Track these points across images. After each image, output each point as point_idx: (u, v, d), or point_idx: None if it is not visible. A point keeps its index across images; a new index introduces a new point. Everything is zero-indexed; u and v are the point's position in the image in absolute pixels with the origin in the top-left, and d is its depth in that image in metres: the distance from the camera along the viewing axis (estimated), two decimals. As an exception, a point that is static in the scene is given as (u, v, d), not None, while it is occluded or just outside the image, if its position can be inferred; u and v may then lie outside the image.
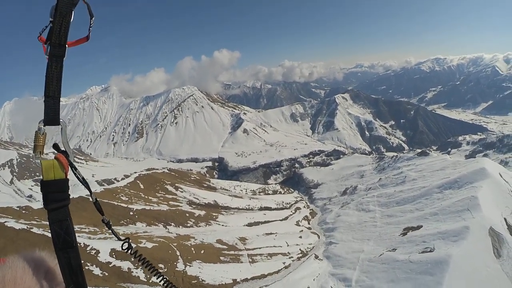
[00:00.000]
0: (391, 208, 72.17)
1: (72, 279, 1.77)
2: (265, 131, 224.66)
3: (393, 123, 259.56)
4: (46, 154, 1.86)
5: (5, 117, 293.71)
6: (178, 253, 51.22)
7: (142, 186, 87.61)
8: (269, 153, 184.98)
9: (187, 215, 75.07)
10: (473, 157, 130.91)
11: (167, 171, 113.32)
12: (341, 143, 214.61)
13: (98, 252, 44.65)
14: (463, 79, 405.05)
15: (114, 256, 44.55)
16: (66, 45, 1.89)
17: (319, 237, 70.53)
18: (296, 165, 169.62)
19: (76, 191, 55.54)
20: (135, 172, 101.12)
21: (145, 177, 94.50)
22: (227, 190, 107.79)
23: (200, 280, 46.05)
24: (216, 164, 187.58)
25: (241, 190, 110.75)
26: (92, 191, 2.06)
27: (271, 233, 68.97)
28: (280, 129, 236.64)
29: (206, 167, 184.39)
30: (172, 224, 68.99)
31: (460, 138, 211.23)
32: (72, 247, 1.79)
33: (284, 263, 56.43)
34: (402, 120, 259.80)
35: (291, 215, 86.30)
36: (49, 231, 1.78)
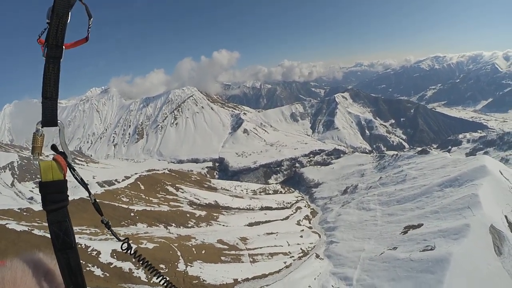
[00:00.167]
0: (391, 206, 72.12)
1: (71, 280, 1.76)
2: (265, 131, 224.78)
3: (393, 121, 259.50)
4: (47, 156, 1.85)
5: (5, 120, 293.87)
6: (179, 253, 51.25)
7: (142, 187, 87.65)
8: (269, 153, 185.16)
9: (188, 215, 75.09)
10: (474, 155, 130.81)
11: (168, 172, 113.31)
12: (342, 142, 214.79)
13: (99, 253, 44.73)
14: (462, 77, 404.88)
15: (115, 257, 44.61)
16: (63, 47, 1.89)
17: (320, 236, 70.51)
18: (297, 164, 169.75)
19: (77, 192, 55.73)
20: (136, 173, 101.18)
21: (146, 178, 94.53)
22: (227, 190, 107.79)
23: (201, 280, 46.08)
24: (217, 164, 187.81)
25: (242, 190, 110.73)
26: (93, 192, 2.09)
27: (272, 233, 68.97)
28: (280, 128, 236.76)
29: (207, 167, 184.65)
30: (173, 224, 69.02)
31: (461, 136, 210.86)
32: (71, 247, 1.78)
33: (285, 262, 56.43)
34: (402, 119, 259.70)
35: (292, 214, 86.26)
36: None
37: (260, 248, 60.47)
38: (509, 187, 62.50)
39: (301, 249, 62.58)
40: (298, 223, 79.71)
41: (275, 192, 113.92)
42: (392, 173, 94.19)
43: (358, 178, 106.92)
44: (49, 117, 1.87)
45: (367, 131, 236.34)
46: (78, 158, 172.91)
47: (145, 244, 50.73)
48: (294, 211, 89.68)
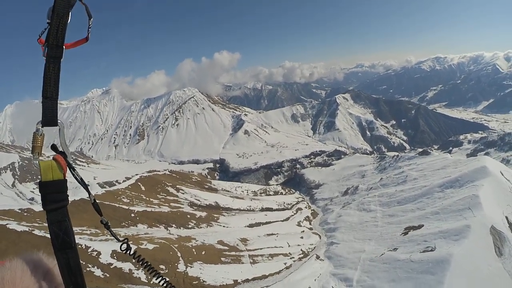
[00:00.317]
0: (392, 207, 72.07)
1: (71, 280, 1.76)
2: (266, 132, 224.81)
3: (394, 122, 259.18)
4: (48, 157, 1.85)
5: (7, 121, 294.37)
6: (179, 254, 51.28)
7: (143, 188, 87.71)
8: (270, 154, 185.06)
9: (188, 216, 75.12)
10: (475, 156, 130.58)
11: (168, 173, 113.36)
12: (342, 143, 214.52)
13: (99, 253, 44.80)
14: (463, 77, 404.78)
15: (115, 257, 44.67)
16: (64, 47, 1.89)
17: (320, 238, 70.49)
18: (297, 165, 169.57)
19: (77, 193, 55.81)
20: (136, 174, 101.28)
21: (146, 179, 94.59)
22: (228, 191, 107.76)
23: (201, 281, 46.10)
24: (217, 165, 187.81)
25: (242, 191, 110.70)
26: (93, 193, 2.09)
27: (272, 234, 69.00)
28: (281, 130, 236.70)
29: (208, 168, 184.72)
30: (173, 225, 69.07)
31: (462, 137, 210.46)
32: (71, 247, 1.77)
33: (285, 263, 56.43)
34: (403, 120, 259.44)
35: (292, 215, 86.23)
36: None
37: (261, 249, 60.46)
38: (510, 188, 62.41)
39: (301, 250, 62.56)
40: (299, 224, 79.67)
41: (276, 193, 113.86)
42: (393, 174, 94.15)
43: (359, 179, 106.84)
44: (49, 117, 1.87)
45: (368, 132, 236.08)
46: (79, 159, 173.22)
47: (145, 245, 50.77)
48: (295, 212, 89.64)
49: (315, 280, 51.29)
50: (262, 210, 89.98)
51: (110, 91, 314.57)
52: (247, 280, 49.28)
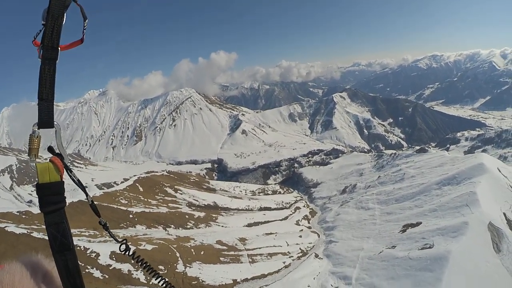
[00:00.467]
0: (390, 205, 72.29)
1: (70, 282, 1.76)
2: (264, 131, 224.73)
3: (391, 120, 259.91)
4: (46, 159, 1.86)
5: (4, 123, 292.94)
6: (178, 254, 51.27)
7: (141, 189, 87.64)
8: (268, 154, 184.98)
9: (187, 217, 75.10)
10: (472, 153, 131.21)
11: (166, 174, 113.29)
12: (340, 142, 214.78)
13: (98, 255, 44.76)
14: (460, 75, 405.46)
15: (114, 258, 44.64)
16: (59, 48, 1.89)
17: (319, 236, 70.60)
18: (295, 164, 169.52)
19: (75, 195, 55.71)
20: (134, 175, 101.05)
21: (144, 180, 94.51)
22: (226, 191, 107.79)
23: (200, 281, 46.12)
24: (216, 165, 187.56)
25: (241, 191, 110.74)
26: (91, 195, 2.11)
27: (271, 233, 69.05)
28: (278, 129, 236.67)
29: (206, 168, 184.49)
30: (172, 226, 69.04)
31: (459, 134, 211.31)
32: (69, 249, 1.78)
33: (284, 262, 56.49)
34: (400, 118, 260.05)
35: (291, 214, 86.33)
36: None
37: (259, 248, 60.50)
38: (507, 185, 62.73)
39: (300, 249, 62.63)
40: (297, 223, 79.79)
41: (274, 192, 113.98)
42: (391, 172, 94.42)
43: (357, 178, 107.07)
44: (45, 119, 1.87)
45: (365, 131, 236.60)
46: (77, 161, 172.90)
47: (144, 246, 50.77)
48: (293, 211, 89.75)
49: (314, 278, 51.37)
50: (261, 209, 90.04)
51: (107, 92, 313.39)
52: (246, 280, 49.32)
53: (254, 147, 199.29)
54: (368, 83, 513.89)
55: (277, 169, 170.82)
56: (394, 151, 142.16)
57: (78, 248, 44.10)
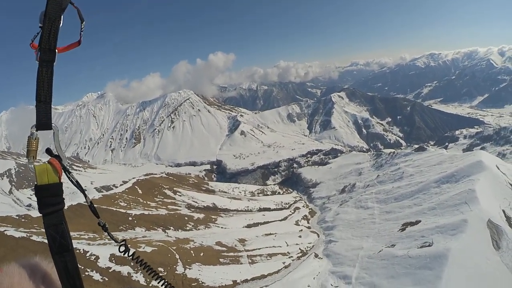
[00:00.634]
0: (389, 204, 72.35)
1: (69, 283, 1.76)
2: (263, 132, 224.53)
3: (390, 119, 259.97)
4: (44, 162, 1.85)
5: (2, 127, 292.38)
6: (177, 256, 51.20)
7: (140, 191, 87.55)
8: (267, 154, 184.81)
9: (186, 218, 75.06)
10: (471, 151, 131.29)
11: (165, 176, 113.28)
12: (339, 141, 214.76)
13: (97, 257, 44.61)
14: (458, 73, 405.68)
15: (113, 261, 44.52)
16: (56, 50, 1.89)
17: (318, 236, 70.60)
18: (294, 165, 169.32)
19: (74, 198, 55.71)
20: (133, 178, 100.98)
21: (143, 182, 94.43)
22: (225, 192, 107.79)
23: (200, 282, 46.04)
24: (215, 167, 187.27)
25: (240, 192, 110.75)
26: (91, 198, 2.11)
27: (270, 234, 69.02)
28: (277, 129, 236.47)
29: (205, 170, 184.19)
30: (171, 228, 68.96)
31: (457, 132, 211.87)
32: (68, 250, 1.78)
33: (284, 262, 56.46)
34: (398, 117, 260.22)
35: (290, 215, 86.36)
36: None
37: (259, 249, 60.45)
38: (506, 182, 62.80)
39: (299, 249, 62.62)
40: (297, 223, 79.81)
41: (273, 193, 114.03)
42: (389, 171, 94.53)
43: (356, 177, 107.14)
44: (43, 121, 1.86)
45: (364, 130, 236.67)
46: (76, 164, 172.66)
47: (144, 248, 50.71)
48: (293, 211, 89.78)
49: (314, 278, 51.37)
50: (260, 210, 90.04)
51: (105, 94, 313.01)
52: (246, 281, 49.27)
53: (253, 148, 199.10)
54: (366, 83, 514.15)
55: (276, 169, 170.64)
56: (392, 150, 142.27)
57: (77, 251, 43.99)
